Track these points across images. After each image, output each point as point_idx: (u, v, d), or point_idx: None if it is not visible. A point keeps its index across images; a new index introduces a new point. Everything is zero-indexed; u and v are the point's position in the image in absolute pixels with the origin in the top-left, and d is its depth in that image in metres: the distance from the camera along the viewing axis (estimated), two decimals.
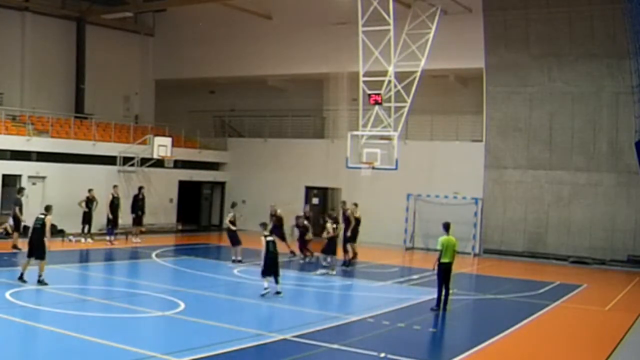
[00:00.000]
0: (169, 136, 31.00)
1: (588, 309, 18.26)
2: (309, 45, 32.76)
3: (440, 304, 16.05)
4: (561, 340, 14.34)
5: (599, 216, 27.59)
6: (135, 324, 13.87)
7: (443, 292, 16.08)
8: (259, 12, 33.50)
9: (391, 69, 24.79)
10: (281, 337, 12.86)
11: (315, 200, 33.54)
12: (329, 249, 21.71)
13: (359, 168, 25.64)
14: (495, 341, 13.63)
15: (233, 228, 23.00)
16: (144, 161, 30.31)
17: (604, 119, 27.54)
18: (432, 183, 29.82)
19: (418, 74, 25.44)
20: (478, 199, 29.34)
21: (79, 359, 11.03)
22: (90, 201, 25.98)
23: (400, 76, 25.35)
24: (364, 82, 24.74)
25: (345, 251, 23.28)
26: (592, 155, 27.80)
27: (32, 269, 16.55)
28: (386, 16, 23.68)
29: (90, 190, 26.08)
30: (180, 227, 33.23)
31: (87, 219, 25.97)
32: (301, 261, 23.54)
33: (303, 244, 23.76)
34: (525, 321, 15.72)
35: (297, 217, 24.13)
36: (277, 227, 22.97)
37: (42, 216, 16.83)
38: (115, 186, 26.78)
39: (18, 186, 25.59)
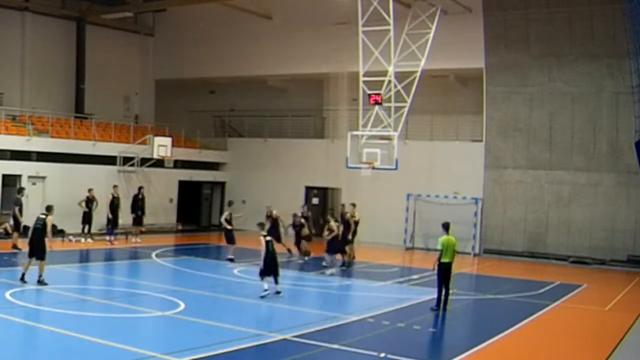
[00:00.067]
0: (169, 136, 31.00)
1: (588, 309, 18.26)
2: (309, 45, 32.76)
3: (440, 304, 16.06)
4: (561, 340, 14.34)
5: (599, 216, 27.60)
6: (135, 324, 13.87)
7: (443, 292, 16.09)
8: (259, 12, 33.49)
9: (391, 69, 24.78)
10: (281, 337, 12.85)
11: (315, 200, 33.57)
12: (334, 248, 21.71)
13: (359, 168, 25.63)
14: (495, 341, 13.63)
15: (228, 227, 23.02)
16: (144, 161, 30.31)
17: (604, 119, 27.54)
18: (432, 183, 29.83)
19: (418, 74, 25.43)
20: (478, 199, 29.34)
21: (79, 359, 11.03)
22: (90, 201, 25.98)
23: (400, 76, 25.34)
24: (364, 82, 24.73)
25: (344, 252, 23.26)
26: (592, 155, 27.80)
27: (32, 269, 16.54)
28: (386, 16, 23.68)
29: (90, 190, 26.08)
30: (180, 227, 33.23)
31: (87, 219, 25.97)
32: (300, 261, 23.54)
33: (299, 242, 23.78)
34: (525, 321, 15.72)
35: (294, 215, 24.18)
36: (274, 228, 22.98)
37: (43, 216, 16.82)
38: (115, 186, 26.79)
39: (18, 186, 25.59)
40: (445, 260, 16.03)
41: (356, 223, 23.71)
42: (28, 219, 21.67)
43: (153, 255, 23.85)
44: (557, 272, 24.93)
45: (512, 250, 28.96)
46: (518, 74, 28.88)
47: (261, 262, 16.79)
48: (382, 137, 25.26)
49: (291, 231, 24.27)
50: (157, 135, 30.63)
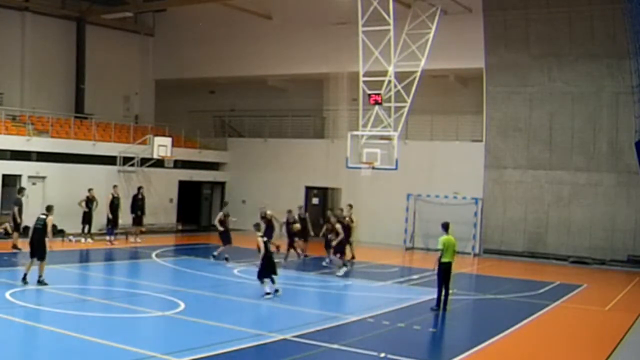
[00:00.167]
0: (169, 136, 31.00)
1: (588, 309, 18.26)
2: (309, 45, 32.76)
3: (440, 304, 16.06)
4: (561, 340, 14.34)
5: (599, 216, 27.60)
6: (135, 324, 13.87)
7: (443, 292, 16.10)
8: (259, 12, 33.50)
9: (391, 69, 24.78)
10: (281, 337, 12.85)
11: (315, 200, 33.57)
12: (340, 249, 21.67)
13: (359, 168, 25.63)
14: (495, 341, 13.63)
15: (220, 228, 23.08)
16: (144, 161, 30.31)
17: (604, 119, 27.54)
18: (432, 183, 29.82)
19: (418, 74, 25.43)
20: (478, 199, 29.34)
21: (79, 359, 11.03)
22: (90, 201, 25.99)
23: (400, 76, 25.34)
24: (364, 82, 24.73)
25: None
26: (592, 155, 27.80)
27: (32, 269, 16.53)
28: (386, 16, 23.68)
29: (90, 190, 26.08)
30: (180, 227, 33.23)
31: (87, 219, 25.98)
32: (291, 259, 23.35)
33: (292, 241, 23.71)
34: (525, 321, 15.72)
35: (288, 212, 24.14)
36: (269, 228, 22.96)
37: (44, 216, 16.79)
38: (115, 186, 26.79)
39: (18, 186, 25.59)
40: (445, 260, 16.04)
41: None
42: (28, 219, 21.69)
43: (153, 255, 23.85)
44: (557, 272, 24.93)
45: (512, 250, 28.96)
46: (518, 74, 28.88)
47: (259, 264, 16.82)
48: (382, 137, 25.26)
49: (284, 230, 24.19)
50: (157, 135, 30.63)
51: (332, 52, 30.98)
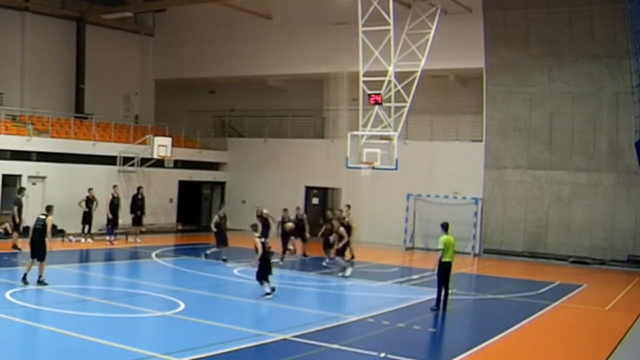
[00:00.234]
0: (169, 136, 31.00)
1: (588, 309, 18.26)
2: (309, 45, 32.76)
3: (440, 304, 16.06)
4: (561, 340, 14.34)
5: (599, 216, 27.60)
6: (135, 324, 13.87)
7: (443, 292, 16.10)
8: (259, 12, 33.50)
9: (391, 69, 24.78)
10: (281, 337, 12.85)
11: (315, 200, 33.56)
12: (343, 251, 21.63)
13: (359, 168, 25.63)
14: (495, 341, 13.63)
15: (214, 229, 23.13)
16: (144, 161, 30.31)
17: (604, 119, 27.55)
18: (432, 183, 29.83)
19: (418, 74, 25.43)
20: (478, 199, 29.34)
21: (79, 359, 11.03)
22: (90, 201, 25.98)
23: (400, 76, 25.34)
24: (364, 82, 24.73)
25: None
26: (592, 155, 27.81)
27: (32, 270, 16.53)
28: (386, 16, 23.68)
29: (90, 190, 26.08)
30: (180, 227, 33.23)
31: (87, 219, 25.97)
32: (285, 259, 23.29)
33: (285, 240, 23.66)
34: (525, 321, 15.72)
35: (284, 210, 24.10)
36: (265, 227, 22.97)
37: (43, 217, 16.78)
38: (115, 186, 26.79)
39: (18, 186, 25.59)
40: (446, 259, 16.06)
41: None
42: (28, 219, 21.70)
43: (153, 255, 23.85)
44: (557, 272, 24.93)
45: (512, 250, 28.96)
46: (518, 74, 28.89)
47: (256, 264, 16.82)
48: (382, 137, 25.26)
49: (279, 229, 24.16)
50: (157, 135, 30.64)
51: (332, 52, 30.98)
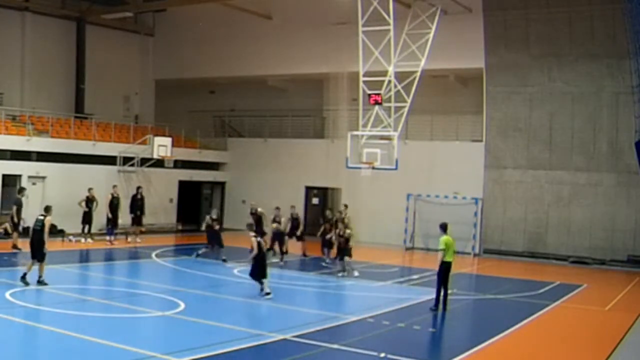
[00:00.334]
0: (169, 136, 31.00)
1: (588, 309, 18.26)
2: (309, 45, 32.76)
3: (439, 304, 16.06)
4: (561, 340, 14.33)
5: (599, 216, 27.60)
6: (135, 324, 13.87)
7: (442, 292, 16.10)
8: (259, 12, 33.50)
9: (391, 69, 24.78)
10: (281, 337, 12.85)
11: (315, 200, 33.57)
12: (346, 252, 21.59)
13: (359, 168, 25.63)
14: (495, 341, 13.63)
15: (202, 229, 23.58)
16: (144, 161, 30.32)
17: (604, 119, 27.55)
18: (432, 183, 29.83)
19: (418, 74, 25.43)
20: (478, 199, 29.34)
21: (79, 359, 11.03)
22: (90, 201, 25.97)
23: (400, 76, 25.34)
24: (364, 82, 24.73)
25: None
26: (592, 155, 27.81)
27: (32, 270, 16.52)
28: (386, 16, 23.68)
29: (90, 190, 26.07)
30: (180, 227, 33.22)
31: (87, 219, 25.96)
32: (275, 260, 23.25)
33: (281, 242, 23.60)
34: (525, 321, 15.72)
35: (276, 208, 24.07)
36: (258, 225, 22.96)
37: (42, 217, 16.77)
38: (114, 186, 26.79)
39: (18, 186, 25.59)
40: (447, 259, 16.07)
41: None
42: (29, 220, 21.69)
43: (153, 255, 23.85)
44: (557, 272, 24.93)
45: (512, 250, 28.96)
46: (518, 74, 28.88)
47: (250, 263, 16.83)
48: (382, 137, 25.26)
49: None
50: (157, 135, 30.64)
51: (332, 52, 30.97)
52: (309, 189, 33.66)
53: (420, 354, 13.02)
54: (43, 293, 15.80)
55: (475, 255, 28.82)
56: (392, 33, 23.92)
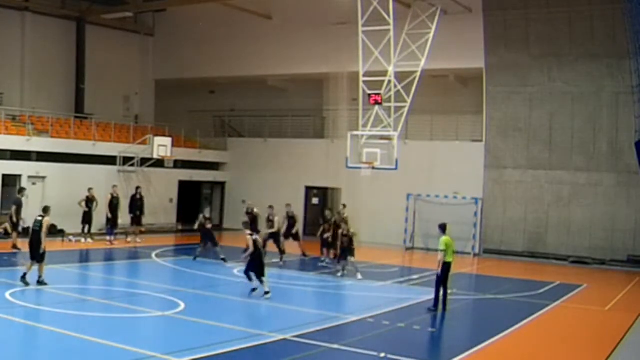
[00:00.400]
0: (169, 136, 31.01)
1: (588, 309, 18.26)
2: (309, 45, 32.76)
3: (439, 304, 16.06)
4: (561, 340, 14.34)
5: (599, 216, 27.60)
6: (135, 324, 13.87)
7: (441, 292, 16.10)
8: (259, 12, 33.50)
9: (391, 69, 24.78)
10: (281, 337, 12.85)
11: (315, 200, 33.57)
12: (348, 252, 21.53)
13: (359, 168, 25.62)
14: (495, 341, 13.63)
15: (194, 228, 23.78)
16: (144, 161, 30.32)
17: (604, 119, 27.55)
18: (432, 183, 29.83)
19: (418, 74, 25.42)
20: (478, 199, 29.34)
21: (79, 359, 11.03)
22: (90, 201, 25.98)
23: (400, 76, 25.34)
24: (364, 82, 24.72)
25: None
26: (592, 155, 27.81)
27: (32, 270, 16.52)
28: (386, 16, 23.67)
29: (90, 190, 26.07)
30: (180, 227, 33.21)
31: (87, 218, 25.97)
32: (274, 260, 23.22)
33: (277, 242, 23.58)
34: (525, 321, 15.72)
35: (270, 207, 23.97)
36: (252, 224, 22.98)
37: (40, 218, 16.75)
38: (114, 186, 26.79)
39: (18, 186, 25.59)
40: (448, 259, 16.08)
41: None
42: (29, 220, 21.67)
43: (153, 255, 23.85)
44: (557, 272, 24.93)
45: (512, 250, 28.96)
46: (518, 74, 28.89)
47: (245, 259, 16.83)
48: (382, 137, 25.26)
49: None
50: (157, 135, 30.64)
51: (332, 52, 30.96)
52: (309, 189, 33.67)
53: (420, 354, 13.02)
54: (43, 293, 15.81)
55: (475, 255, 28.83)
56: (392, 33, 23.91)
